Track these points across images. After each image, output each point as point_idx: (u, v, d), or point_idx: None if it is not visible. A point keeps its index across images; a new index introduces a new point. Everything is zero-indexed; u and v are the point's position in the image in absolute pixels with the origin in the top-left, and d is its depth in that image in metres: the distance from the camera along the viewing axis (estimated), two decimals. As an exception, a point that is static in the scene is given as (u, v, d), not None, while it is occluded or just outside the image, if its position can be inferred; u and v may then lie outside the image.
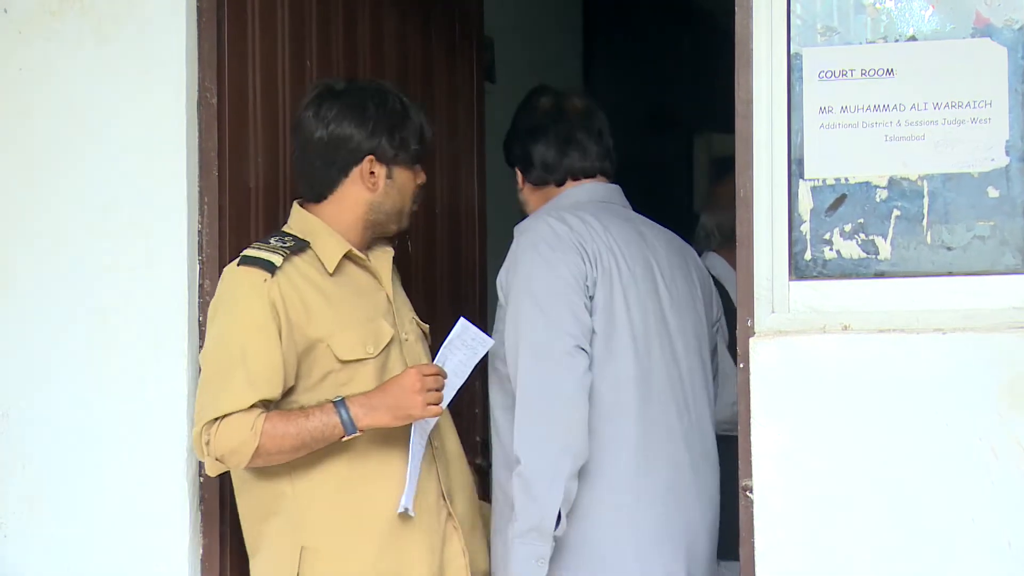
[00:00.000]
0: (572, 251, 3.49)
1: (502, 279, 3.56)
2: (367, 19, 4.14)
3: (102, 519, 3.78)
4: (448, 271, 4.39)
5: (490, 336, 3.47)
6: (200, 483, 3.71)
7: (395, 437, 3.42)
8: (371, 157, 3.48)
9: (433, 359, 3.48)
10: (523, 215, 3.76)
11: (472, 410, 4.36)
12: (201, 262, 3.74)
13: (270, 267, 3.37)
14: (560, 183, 3.70)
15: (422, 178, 3.59)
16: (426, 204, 4.22)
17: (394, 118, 3.50)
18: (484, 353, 3.46)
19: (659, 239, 3.73)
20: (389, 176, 3.51)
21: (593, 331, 3.49)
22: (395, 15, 4.22)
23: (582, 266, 3.49)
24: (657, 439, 3.59)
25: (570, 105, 3.75)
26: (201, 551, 3.72)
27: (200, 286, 3.72)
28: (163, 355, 3.73)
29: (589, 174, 3.71)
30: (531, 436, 3.43)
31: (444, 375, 3.37)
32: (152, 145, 3.77)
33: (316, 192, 3.51)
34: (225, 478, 3.63)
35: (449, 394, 3.42)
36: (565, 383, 3.42)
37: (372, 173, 3.48)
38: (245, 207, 3.80)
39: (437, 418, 3.41)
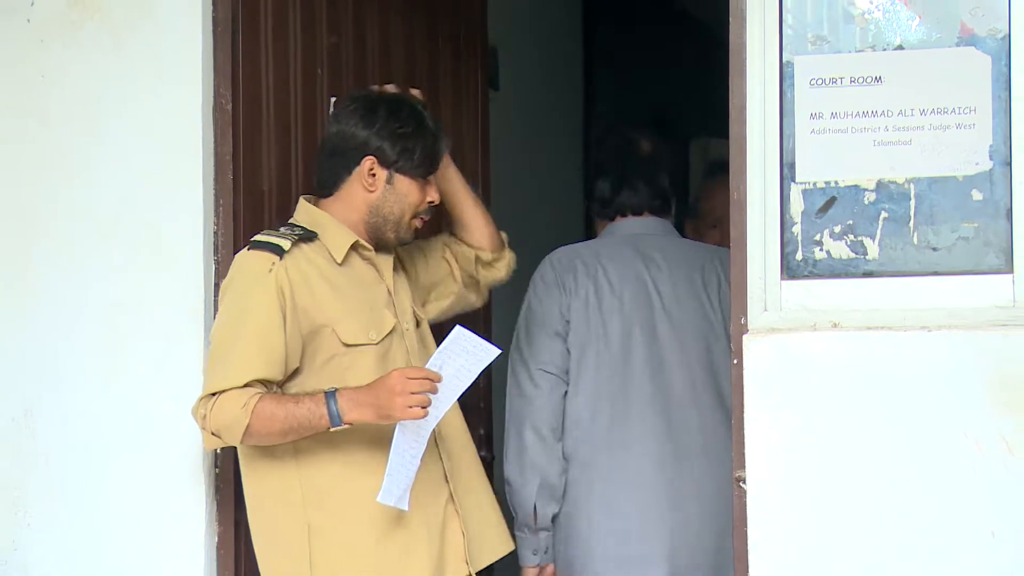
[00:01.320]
0: (554, 287, 3.83)
1: None
2: (375, 29, 4.14)
3: (120, 509, 3.79)
4: (453, 272, 4.39)
5: (496, 346, 3.42)
6: (216, 474, 3.72)
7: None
8: (372, 158, 3.48)
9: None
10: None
11: (477, 404, 4.36)
12: (216, 263, 3.74)
13: (279, 251, 3.38)
14: (612, 217, 3.97)
15: (433, 197, 3.56)
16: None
17: (403, 127, 3.49)
18: (490, 361, 3.40)
19: (670, 260, 3.91)
20: (389, 181, 3.50)
21: (568, 351, 3.82)
22: (402, 24, 4.23)
23: (562, 298, 3.82)
24: (634, 439, 3.80)
25: (636, 148, 4.00)
26: (217, 539, 3.73)
27: (216, 285, 3.73)
28: (179, 352, 3.74)
29: (637, 211, 3.96)
30: (509, 447, 3.82)
31: (436, 379, 3.32)
32: (168, 149, 3.78)
33: (323, 187, 3.52)
34: (240, 468, 3.65)
35: (449, 398, 3.37)
36: (532, 401, 3.79)
37: (373, 175, 3.48)
38: (259, 209, 3.80)
39: (435, 420, 3.37)
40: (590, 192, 4.00)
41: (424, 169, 3.52)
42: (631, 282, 3.85)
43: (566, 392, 3.82)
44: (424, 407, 3.29)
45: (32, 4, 3.86)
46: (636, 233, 3.92)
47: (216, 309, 3.70)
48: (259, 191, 3.81)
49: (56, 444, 3.84)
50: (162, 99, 3.79)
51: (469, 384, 3.40)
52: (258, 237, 3.45)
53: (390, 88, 3.63)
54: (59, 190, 3.86)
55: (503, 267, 3.78)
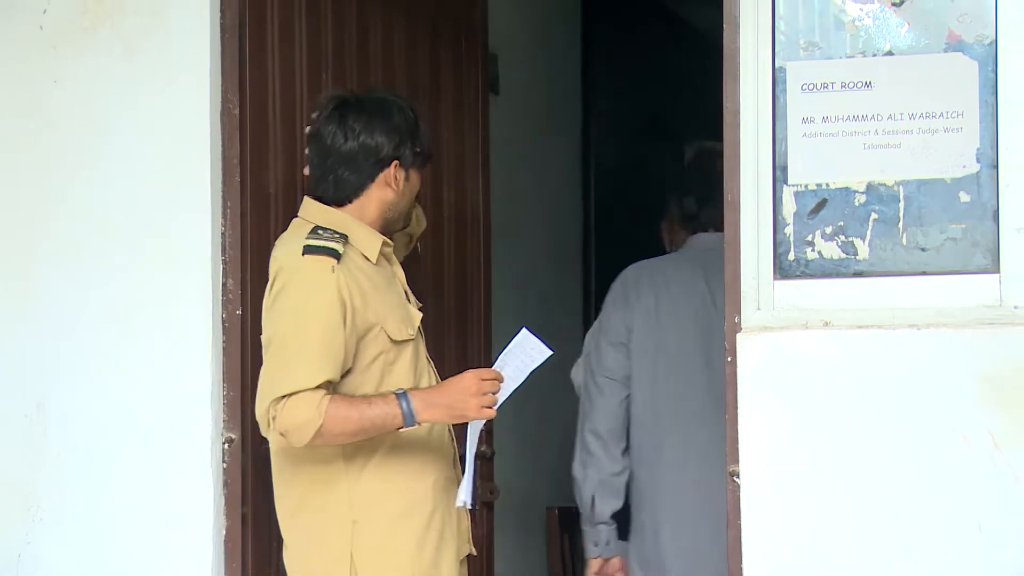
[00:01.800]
0: (620, 300, 4.00)
1: None
2: (379, 36, 4.15)
3: (130, 504, 3.80)
4: (455, 270, 4.41)
5: (550, 347, 3.42)
6: (224, 469, 3.72)
7: (442, 424, 3.45)
8: (397, 162, 3.49)
9: (493, 363, 3.45)
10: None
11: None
12: (224, 263, 3.75)
13: (335, 255, 3.37)
14: (694, 231, 4.08)
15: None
16: (434, 207, 4.24)
17: (412, 127, 3.53)
18: (542, 361, 3.41)
19: None
20: (407, 179, 3.53)
21: (630, 359, 3.96)
22: (405, 32, 4.23)
23: (625, 312, 3.98)
24: (690, 442, 3.93)
25: (719, 164, 4.03)
26: (224, 534, 3.73)
27: (223, 285, 3.74)
28: (189, 350, 3.75)
29: (720, 227, 3.96)
30: (575, 446, 4.01)
31: (501, 379, 3.36)
32: (177, 152, 3.79)
33: (341, 197, 3.49)
34: (247, 464, 3.65)
35: (502, 397, 3.39)
36: (595, 404, 3.97)
37: (396, 177, 3.50)
38: (265, 211, 3.81)
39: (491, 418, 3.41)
40: (679, 206, 4.13)
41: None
42: (692, 296, 3.96)
43: (628, 396, 3.95)
44: (492, 407, 3.33)
45: (44, 12, 3.87)
46: (709, 248, 3.99)
47: (224, 308, 3.71)
48: (265, 193, 3.82)
49: (66, 440, 3.85)
50: (171, 103, 3.80)
51: (522, 382, 3.42)
52: (310, 242, 3.40)
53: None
54: (69, 191, 3.87)
55: (423, 216, 3.85)
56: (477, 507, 3.44)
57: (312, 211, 3.51)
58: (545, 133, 5.76)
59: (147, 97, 3.81)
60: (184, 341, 3.76)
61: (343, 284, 3.36)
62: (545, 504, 5.13)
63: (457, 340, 4.36)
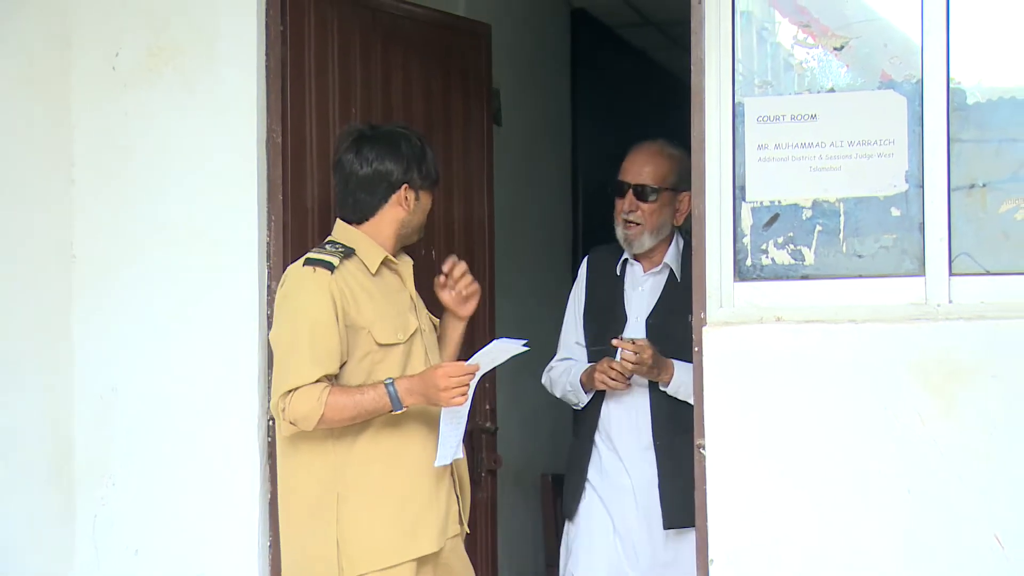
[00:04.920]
0: None
1: None
2: (399, 77, 4.16)
3: (190, 471, 3.81)
4: (463, 274, 4.40)
5: (519, 341, 3.39)
6: (268, 443, 3.73)
7: (423, 407, 3.42)
8: (406, 185, 3.49)
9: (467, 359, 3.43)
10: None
11: (483, 384, 4.36)
12: (268, 268, 3.76)
13: (331, 267, 3.38)
14: None
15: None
16: (446, 221, 4.25)
17: (419, 154, 3.51)
18: (517, 352, 3.40)
19: None
20: (417, 199, 3.51)
21: None
22: (421, 72, 4.24)
23: None
24: None
25: None
26: (269, 497, 3.74)
27: (268, 287, 3.75)
28: (238, 342, 3.76)
29: None
30: None
31: (475, 370, 3.34)
32: (228, 175, 3.80)
33: (360, 216, 3.49)
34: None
35: (475, 383, 3.39)
36: None
37: (407, 198, 3.50)
38: (304, 224, 3.82)
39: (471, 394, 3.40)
40: None
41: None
42: None
43: None
44: (464, 395, 3.32)
45: (117, 55, 3.88)
46: None
47: (268, 307, 3.71)
48: (304, 209, 3.83)
49: (135, 418, 3.86)
50: (223, 132, 3.81)
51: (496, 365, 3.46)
52: (312, 255, 3.42)
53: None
54: (138, 207, 3.88)
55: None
56: (463, 456, 3.46)
57: (336, 228, 3.52)
58: (540, 158, 5.76)
59: (203, 127, 3.82)
60: (234, 335, 3.77)
61: (335, 290, 3.36)
62: (540, 471, 5.13)
63: (464, 335, 4.36)
